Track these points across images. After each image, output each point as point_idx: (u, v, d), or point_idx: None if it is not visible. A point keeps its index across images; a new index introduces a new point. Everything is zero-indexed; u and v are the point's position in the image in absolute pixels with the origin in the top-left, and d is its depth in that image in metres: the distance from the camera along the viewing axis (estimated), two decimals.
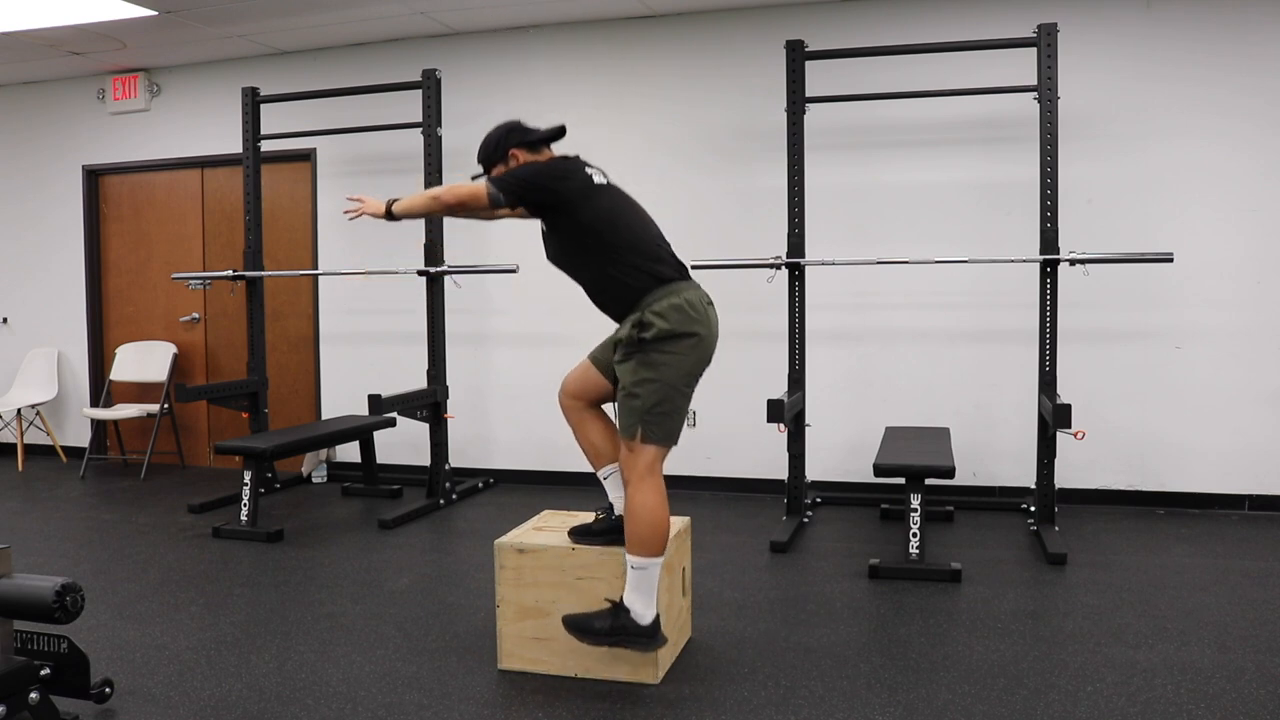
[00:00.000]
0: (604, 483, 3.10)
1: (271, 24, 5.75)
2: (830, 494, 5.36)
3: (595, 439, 3.09)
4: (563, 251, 2.98)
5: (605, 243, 2.88)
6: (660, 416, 2.83)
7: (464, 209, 3.00)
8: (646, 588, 2.83)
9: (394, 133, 5.66)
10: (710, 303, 2.96)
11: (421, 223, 5.47)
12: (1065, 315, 4.71)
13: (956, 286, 5.27)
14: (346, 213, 3.28)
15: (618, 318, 2.93)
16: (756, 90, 5.44)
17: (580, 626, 2.87)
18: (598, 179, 2.97)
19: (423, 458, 5.74)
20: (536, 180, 2.91)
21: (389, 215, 3.09)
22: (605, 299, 2.95)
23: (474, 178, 3.05)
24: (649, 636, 2.83)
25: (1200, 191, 5.02)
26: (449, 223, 5.60)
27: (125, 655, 3.24)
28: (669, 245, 3.00)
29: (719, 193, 5.63)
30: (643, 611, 2.82)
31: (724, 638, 3.37)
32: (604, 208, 2.91)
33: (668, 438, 2.87)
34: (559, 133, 3.07)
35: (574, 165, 2.98)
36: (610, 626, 2.83)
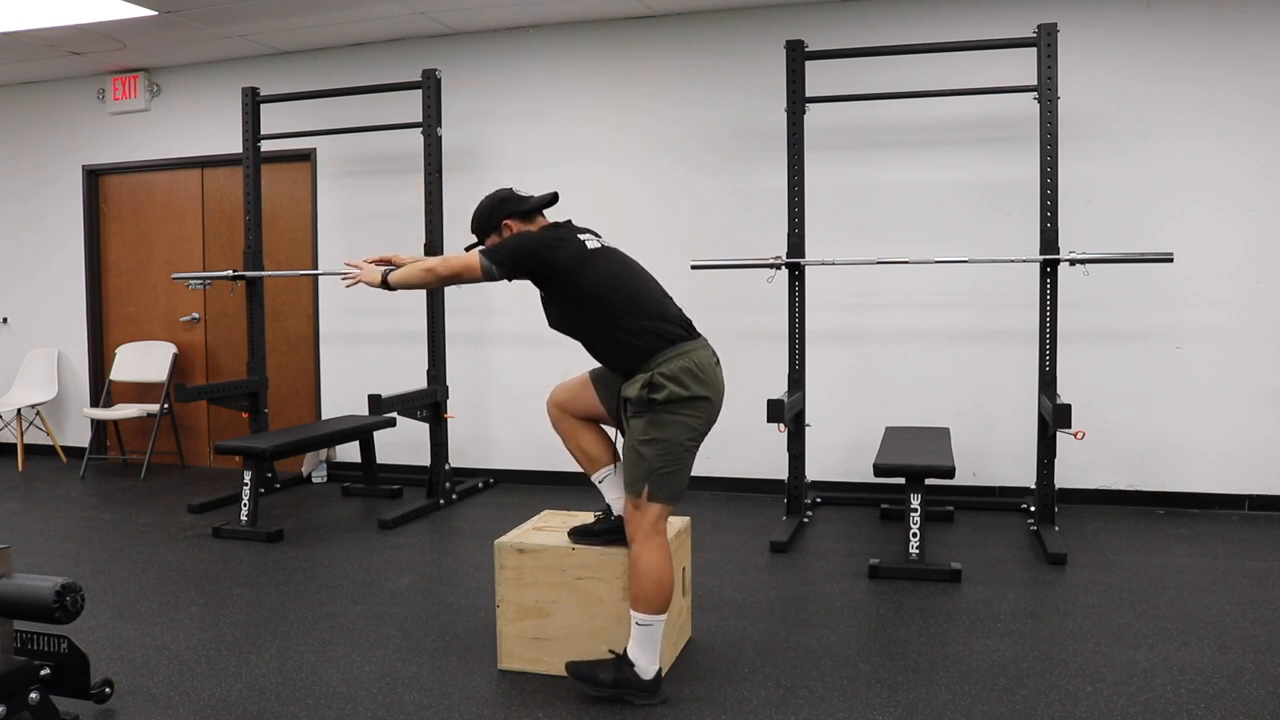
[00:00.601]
0: (600, 486, 3.10)
1: (271, 24, 5.75)
2: (830, 494, 5.36)
3: (586, 445, 3.09)
4: (565, 319, 2.97)
5: (606, 307, 2.87)
6: (667, 476, 2.85)
7: (459, 281, 3.02)
8: (651, 644, 2.85)
9: (394, 133, 5.66)
10: (718, 363, 2.96)
11: (423, 224, 5.47)
12: (1065, 315, 4.71)
13: (956, 286, 5.27)
14: (344, 280, 3.28)
15: (626, 375, 2.92)
16: (756, 90, 5.44)
17: (584, 676, 2.89)
18: (591, 244, 2.95)
19: (423, 458, 5.74)
20: (529, 251, 2.89)
21: (385, 286, 3.08)
22: (612, 361, 2.95)
23: (468, 248, 3.05)
24: (651, 692, 2.85)
25: (1200, 191, 5.02)
26: (449, 222, 5.61)
27: (125, 655, 3.24)
28: (673, 302, 3.00)
29: (719, 193, 5.63)
30: (646, 666, 2.84)
31: (724, 638, 3.37)
32: (602, 272, 2.90)
33: (672, 496, 2.89)
34: (551, 200, 3.05)
35: (566, 234, 2.95)
36: (614, 679, 2.85)
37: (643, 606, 2.83)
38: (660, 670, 2.88)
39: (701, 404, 2.87)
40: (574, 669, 2.92)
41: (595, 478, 3.09)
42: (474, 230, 3.07)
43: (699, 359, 2.88)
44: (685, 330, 2.93)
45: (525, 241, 2.92)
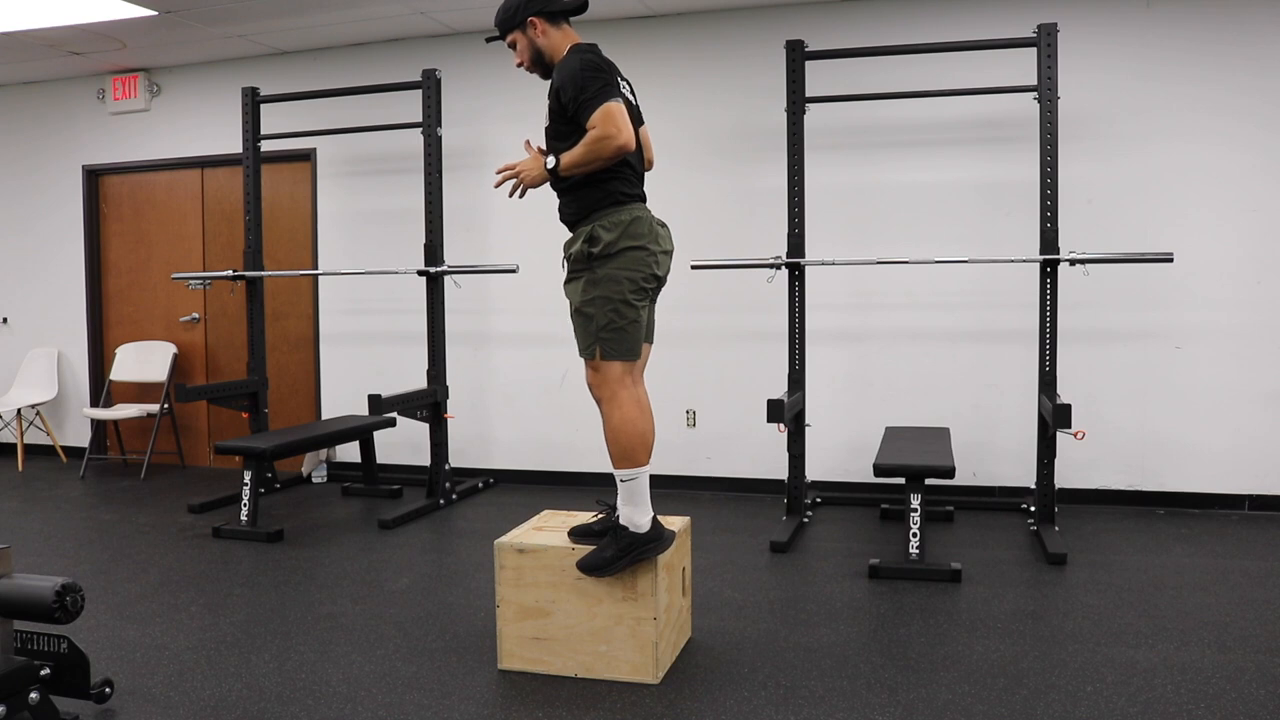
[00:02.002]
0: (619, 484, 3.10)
1: (271, 24, 5.75)
2: (830, 494, 5.37)
3: None
4: (559, 148, 2.95)
5: None
6: (615, 332, 2.86)
7: (617, 128, 2.79)
8: (639, 497, 2.86)
9: (394, 133, 5.67)
10: (663, 224, 3.00)
11: (421, 223, 5.47)
12: (1065, 315, 4.71)
13: (956, 286, 5.27)
14: (511, 194, 3.02)
15: (571, 225, 2.96)
16: (756, 90, 5.44)
17: (593, 565, 2.90)
18: (624, 89, 3.00)
19: (423, 458, 5.74)
20: (601, 76, 2.84)
21: (555, 175, 2.90)
22: (572, 200, 2.95)
23: (488, 40, 3.07)
24: (656, 539, 2.86)
25: (1200, 191, 5.02)
26: (449, 222, 5.62)
27: (125, 655, 3.24)
28: (642, 171, 3.06)
29: (719, 193, 5.63)
30: (640, 521, 2.86)
31: (724, 638, 3.37)
32: None
33: (627, 353, 2.90)
34: (582, 6, 3.06)
35: (610, 70, 2.94)
36: (617, 550, 2.86)
37: (623, 462, 2.85)
38: (655, 517, 2.89)
39: (638, 255, 2.88)
40: (582, 564, 2.91)
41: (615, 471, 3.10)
42: (498, 24, 3.06)
43: (640, 214, 2.92)
44: (637, 196, 2.97)
45: (597, 66, 2.87)
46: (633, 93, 3.14)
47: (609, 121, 2.79)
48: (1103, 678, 2.96)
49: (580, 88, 2.84)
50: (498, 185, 3.10)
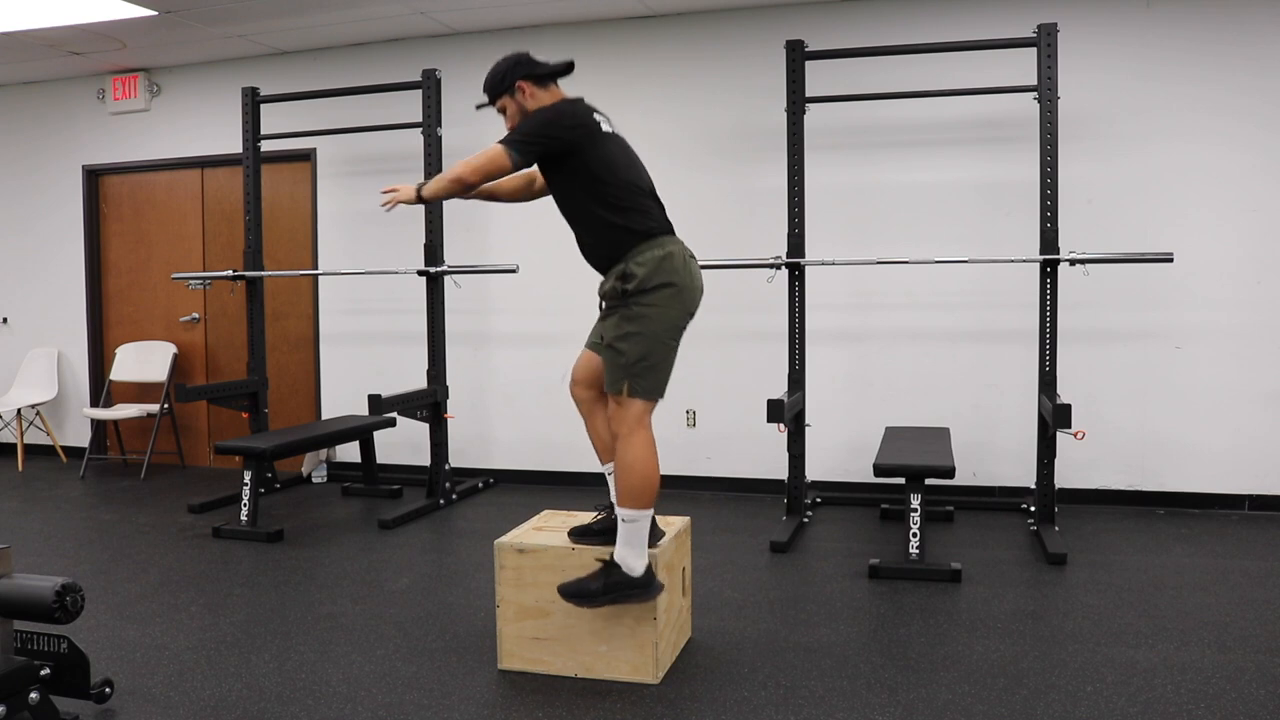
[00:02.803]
0: (608, 479, 3.10)
1: (271, 24, 5.75)
2: (830, 494, 5.37)
3: (605, 432, 3.10)
4: (563, 197, 2.98)
5: (605, 192, 2.89)
6: (646, 370, 2.85)
7: (488, 179, 2.95)
8: (637, 541, 2.85)
9: (394, 133, 5.67)
10: (692, 256, 2.99)
11: (422, 222, 5.47)
12: (1065, 315, 4.71)
13: (956, 286, 5.27)
14: (383, 205, 3.25)
15: (603, 268, 2.95)
16: (756, 90, 5.44)
17: (576, 593, 2.88)
18: (605, 126, 2.98)
19: (423, 458, 5.74)
20: (546, 129, 2.89)
21: (419, 199, 3.08)
22: (595, 247, 2.96)
23: (478, 107, 3.06)
24: (645, 587, 2.85)
25: (1200, 191, 5.02)
26: (449, 222, 5.61)
27: (125, 655, 3.24)
28: (660, 201, 3.04)
29: (719, 193, 5.63)
30: (634, 564, 2.84)
31: (724, 638, 3.37)
32: (610, 156, 2.93)
33: (654, 391, 2.89)
34: (567, 68, 3.07)
35: (583, 110, 2.97)
36: (604, 585, 2.84)
37: (629, 501, 2.83)
38: (650, 565, 2.87)
39: (673, 291, 2.87)
40: (565, 589, 2.90)
41: (606, 469, 3.10)
42: (486, 90, 3.07)
43: (673, 250, 2.90)
44: (664, 229, 2.96)
45: (542, 118, 2.92)
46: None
47: (480, 157, 2.89)
48: (1103, 678, 2.96)
49: (525, 121, 2.94)
50: (382, 204, 3.26)
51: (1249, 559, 4.20)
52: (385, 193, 3.24)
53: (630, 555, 2.84)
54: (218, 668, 3.14)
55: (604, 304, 2.92)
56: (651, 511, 2.87)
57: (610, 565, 2.85)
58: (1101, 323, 5.13)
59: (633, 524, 2.84)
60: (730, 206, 5.60)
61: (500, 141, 2.89)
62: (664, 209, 3.03)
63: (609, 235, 2.90)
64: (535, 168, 3.04)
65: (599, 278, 2.99)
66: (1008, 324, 5.22)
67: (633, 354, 2.83)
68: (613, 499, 3.08)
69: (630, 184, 2.94)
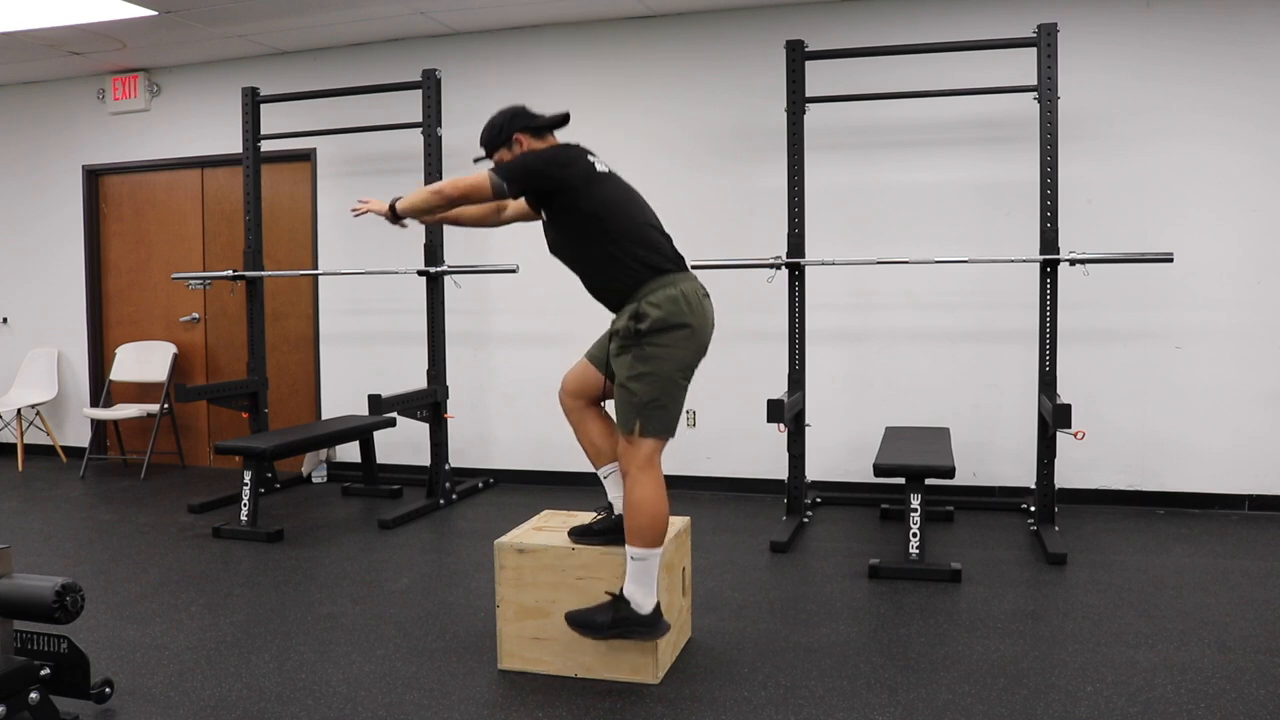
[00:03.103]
0: (604, 481, 3.10)
1: (271, 24, 5.75)
2: (830, 494, 5.37)
3: (596, 438, 3.10)
4: (563, 241, 2.98)
5: (605, 231, 2.88)
6: (658, 409, 2.84)
7: (467, 202, 2.98)
8: (646, 579, 2.84)
9: (394, 133, 5.66)
10: (706, 294, 2.97)
11: (423, 225, 5.46)
12: (1065, 315, 4.71)
13: (956, 286, 5.27)
14: (353, 210, 3.29)
15: (614, 308, 2.94)
16: (756, 90, 5.44)
17: (582, 623, 2.89)
18: (600, 167, 2.98)
19: (423, 458, 5.74)
20: (540, 167, 2.90)
21: (392, 213, 3.08)
22: (603, 288, 2.95)
23: (476, 160, 3.06)
24: (651, 625, 2.85)
25: (1200, 191, 5.02)
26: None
27: (125, 655, 3.24)
28: (668, 236, 3.01)
29: (719, 193, 5.63)
30: (643, 601, 2.84)
31: (724, 638, 3.37)
32: (605, 196, 2.92)
33: (665, 430, 2.88)
34: (563, 120, 3.07)
35: (577, 153, 2.97)
36: (612, 619, 2.84)
37: (638, 540, 2.83)
38: (659, 604, 2.87)
39: (687, 333, 2.85)
40: (572, 618, 2.90)
41: (601, 472, 3.10)
42: (483, 143, 3.08)
43: (686, 289, 2.88)
44: (675, 264, 2.94)
45: (536, 157, 2.93)
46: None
47: (462, 181, 2.91)
48: (1103, 678, 2.96)
49: (517, 157, 2.95)
50: (351, 209, 3.31)
51: (1249, 559, 4.20)
52: (360, 201, 3.26)
53: (639, 593, 2.84)
54: (218, 668, 3.14)
55: (616, 340, 2.89)
56: (660, 550, 2.87)
57: (620, 600, 2.85)
58: (1101, 323, 5.13)
59: (642, 562, 2.84)
60: (730, 206, 5.60)
61: (490, 170, 2.91)
62: (673, 243, 3.00)
63: (615, 274, 2.88)
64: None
65: None
66: (1008, 324, 5.22)
67: (645, 395, 2.82)
68: (611, 500, 3.09)
69: (632, 221, 2.92)
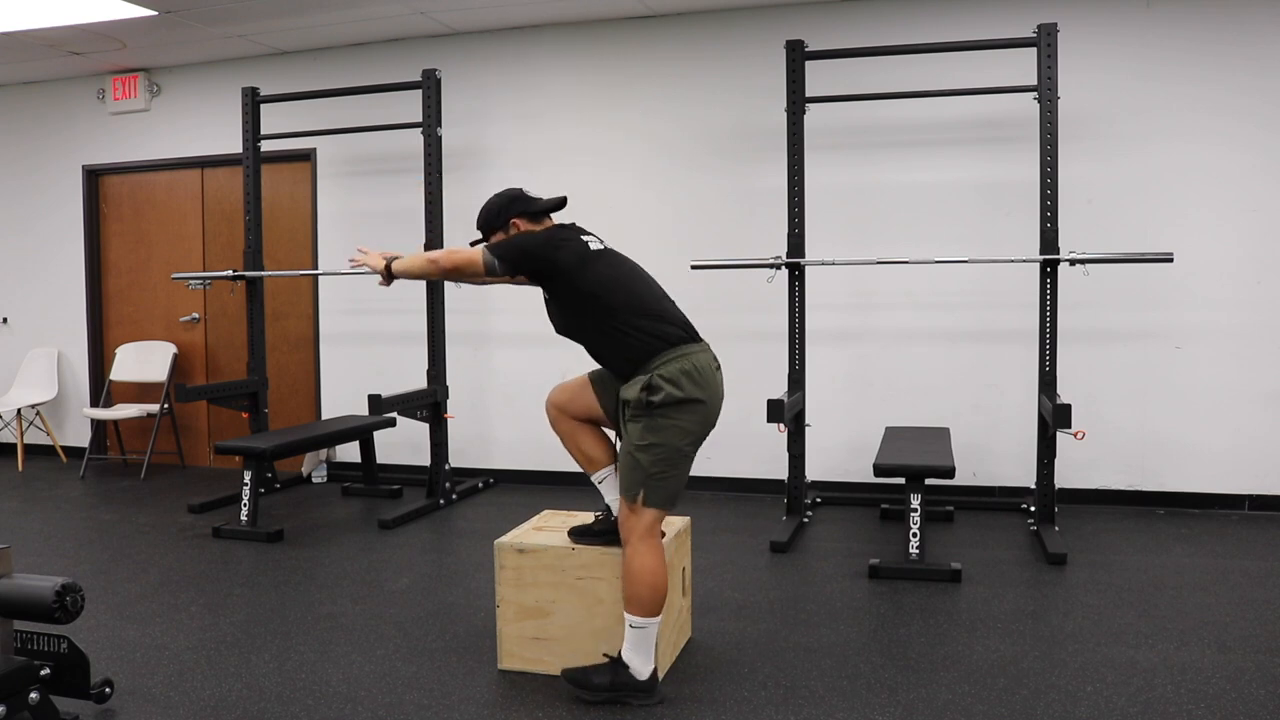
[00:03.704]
0: (599, 487, 3.10)
1: (271, 24, 5.75)
2: (830, 494, 5.36)
3: (585, 446, 3.09)
4: (566, 320, 2.98)
5: (605, 307, 2.87)
6: (663, 480, 2.85)
7: (459, 277, 3.02)
8: (645, 646, 2.85)
9: (394, 133, 5.66)
10: (718, 367, 2.97)
11: (422, 222, 5.47)
12: (1065, 315, 4.71)
13: (956, 286, 5.27)
14: (350, 261, 3.28)
15: (624, 378, 2.92)
16: (756, 90, 5.44)
17: (579, 681, 2.89)
18: (594, 245, 2.97)
19: (423, 458, 5.74)
20: (532, 250, 2.90)
21: (388, 274, 3.08)
22: (611, 361, 2.96)
23: (473, 243, 3.05)
24: (648, 692, 2.85)
25: (1200, 191, 5.02)
26: (449, 222, 5.60)
27: (125, 655, 3.24)
28: (675, 305, 3.00)
29: (719, 193, 5.63)
30: (641, 668, 2.85)
31: (724, 638, 3.37)
32: (602, 273, 2.91)
33: (668, 503, 2.89)
34: (560, 204, 3.07)
35: (570, 234, 2.97)
36: (610, 682, 2.85)
37: (636, 609, 2.83)
38: (656, 670, 2.88)
39: (698, 408, 2.86)
40: (569, 675, 2.92)
41: (595, 478, 3.10)
42: (480, 226, 3.08)
43: (699, 362, 2.88)
44: (686, 333, 2.93)
45: (529, 240, 2.93)
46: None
47: (458, 256, 2.94)
48: (1103, 678, 2.96)
49: (513, 237, 2.97)
50: (349, 260, 3.31)
51: (1249, 559, 4.20)
52: (359, 251, 3.22)
53: (637, 659, 2.84)
54: (218, 668, 3.14)
55: (627, 410, 2.87)
56: (660, 619, 2.87)
57: (618, 663, 2.86)
58: (1101, 323, 5.13)
59: (641, 630, 2.84)
60: (730, 206, 5.60)
61: (485, 248, 2.92)
62: (681, 313, 2.99)
63: (623, 348, 2.88)
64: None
65: None
66: (1008, 324, 5.22)
67: (652, 466, 2.83)
68: (608, 503, 3.09)
69: (633, 295, 2.91)
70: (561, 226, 3.02)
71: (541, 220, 3.04)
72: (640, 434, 2.83)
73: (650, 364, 2.84)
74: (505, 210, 3.02)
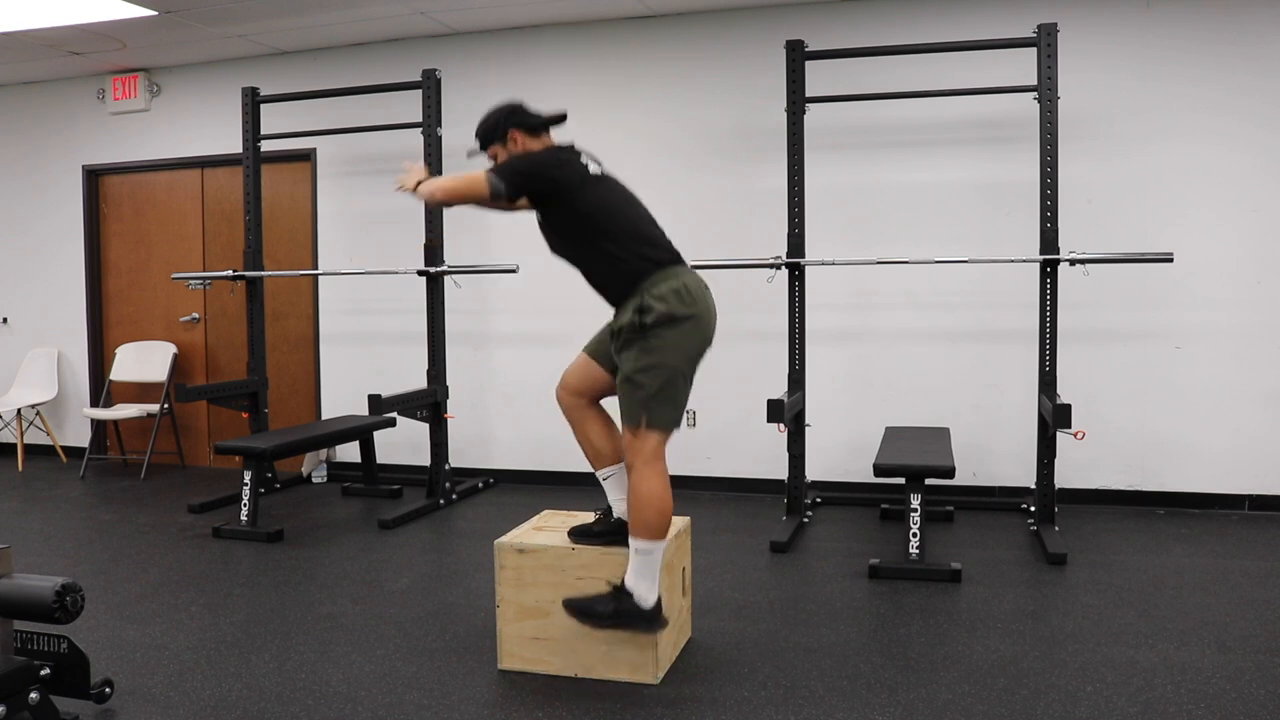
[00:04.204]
0: (604, 484, 3.10)
1: (271, 24, 5.75)
2: (830, 494, 5.36)
3: (595, 439, 3.10)
4: (561, 241, 3.00)
5: (602, 229, 2.90)
6: (664, 402, 2.85)
7: (465, 202, 3.00)
8: (650, 571, 2.85)
9: (394, 133, 5.67)
10: (706, 287, 2.99)
11: (422, 222, 5.47)
12: (1065, 315, 4.71)
13: (956, 286, 5.27)
14: (399, 180, 3.18)
15: (616, 302, 2.95)
16: (756, 90, 5.44)
17: (582, 610, 2.88)
18: (593, 168, 2.99)
19: (423, 458, 5.74)
20: (535, 170, 2.93)
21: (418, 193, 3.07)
22: (605, 284, 2.97)
23: (470, 154, 3.08)
24: (651, 619, 2.85)
25: (1200, 191, 5.02)
26: (450, 222, 5.61)
27: (125, 655, 3.24)
28: (663, 231, 3.03)
29: (719, 193, 5.63)
30: (645, 594, 2.84)
31: (724, 638, 3.37)
32: (600, 196, 2.94)
33: (671, 423, 2.89)
34: (559, 119, 3.08)
35: (570, 155, 2.99)
36: (614, 610, 2.84)
37: (643, 533, 2.83)
38: (660, 598, 2.87)
39: (691, 325, 2.87)
40: (572, 605, 2.90)
41: (600, 474, 3.10)
42: (478, 136, 3.09)
43: (688, 281, 2.91)
44: (673, 257, 2.97)
45: (530, 160, 2.95)
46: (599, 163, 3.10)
47: (461, 181, 2.91)
48: (1103, 678, 2.96)
49: (513, 158, 2.97)
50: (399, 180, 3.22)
51: (1249, 559, 4.20)
52: (407, 166, 3.18)
53: (642, 585, 2.84)
54: (218, 668, 3.14)
55: (620, 336, 2.89)
56: (665, 543, 2.87)
57: (622, 591, 2.85)
58: (1101, 323, 5.13)
59: (646, 555, 2.84)
60: (730, 206, 5.60)
61: (488, 172, 2.92)
62: (668, 240, 3.02)
63: (616, 271, 2.91)
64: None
65: None
66: (1008, 324, 5.22)
67: (652, 387, 2.83)
68: (611, 503, 3.09)
69: (627, 219, 2.94)
70: (561, 147, 3.03)
71: (540, 135, 3.06)
72: (636, 358, 2.85)
73: (641, 286, 2.87)
74: (504, 122, 3.03)
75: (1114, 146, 5.09)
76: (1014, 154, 5.10)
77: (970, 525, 4.85)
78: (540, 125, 3.05)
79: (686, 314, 2.85)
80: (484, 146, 3.08)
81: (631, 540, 2.85)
